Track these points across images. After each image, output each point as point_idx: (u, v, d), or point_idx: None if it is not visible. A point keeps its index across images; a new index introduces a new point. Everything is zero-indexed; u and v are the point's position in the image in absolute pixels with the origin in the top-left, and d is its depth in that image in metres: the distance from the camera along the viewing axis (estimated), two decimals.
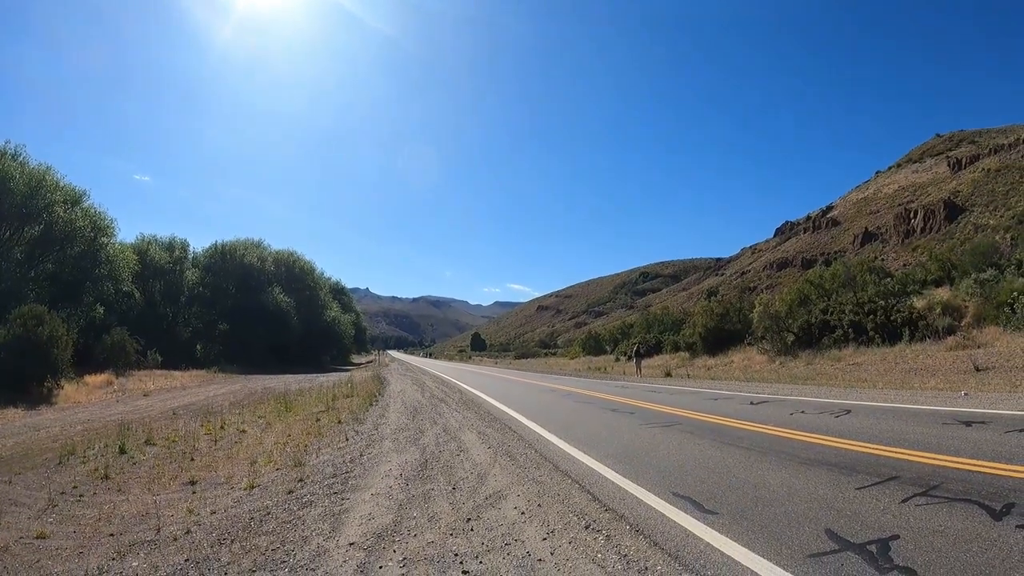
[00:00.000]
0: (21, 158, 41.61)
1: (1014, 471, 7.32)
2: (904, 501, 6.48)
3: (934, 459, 8.27)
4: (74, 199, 44.46)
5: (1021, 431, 9.91)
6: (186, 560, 6.43)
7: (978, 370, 20.23)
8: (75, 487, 10.60)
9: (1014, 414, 11.97)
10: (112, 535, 7.75)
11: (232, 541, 6.88)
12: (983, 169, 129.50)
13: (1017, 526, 5.50)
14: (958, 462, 8.00)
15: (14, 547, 7.48)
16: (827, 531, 5.77)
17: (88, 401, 26.99)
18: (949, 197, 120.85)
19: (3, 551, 7.30)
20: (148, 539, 7.37)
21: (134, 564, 6.52)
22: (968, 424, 11.01)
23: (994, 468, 7.53)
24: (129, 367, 42.10)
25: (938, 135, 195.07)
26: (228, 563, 6.15)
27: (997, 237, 39.36)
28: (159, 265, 62.93)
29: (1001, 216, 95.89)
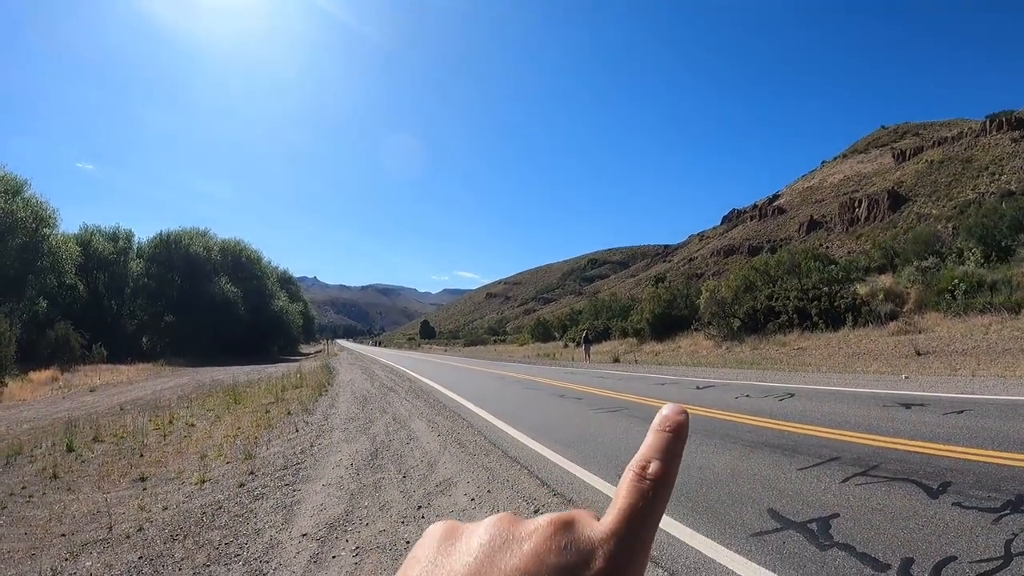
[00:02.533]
0: None
1: (951, 451, 7.55)
2: (844, 481, 6.67)
3: (874, 440, 8.50)
4: (14, 189, 43.44)
5: (959, 413, 10.20)
6: (139, 558, 6.40)
7: (919, 354, 20.71)
8: (24, 488, 10.44)
9: (952, 396, 12.30)
10: (64, 535, 7.67)
11: (185, 537, 6.86)
12: (926, 161, 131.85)
13: (953, 504, 5.69)
14: (897, 443, 8.23)
15: None
16: (770, 511, 5.93)
17: (33, 398, 26.48)
18: (893, 187, 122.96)
19: None
20: (100, 538, 7.30)
21: (87, 564, 6.47)
22: (908, 406, 11.30)
23: (932, 448, 7.77)
24: (74, 362, 41.37)
25: (883, 127, 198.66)
26: (182, 559, 6.14)
27: (939, 226, 40.20)
28: (103, 256, 61.75)
29: (943, 206, 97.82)
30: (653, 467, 0.53)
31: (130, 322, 63.81)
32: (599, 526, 0.48)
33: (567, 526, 0.47)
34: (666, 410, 0.57)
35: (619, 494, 0.51)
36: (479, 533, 0.48)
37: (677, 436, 0.55)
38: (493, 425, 13.13)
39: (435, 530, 0.51)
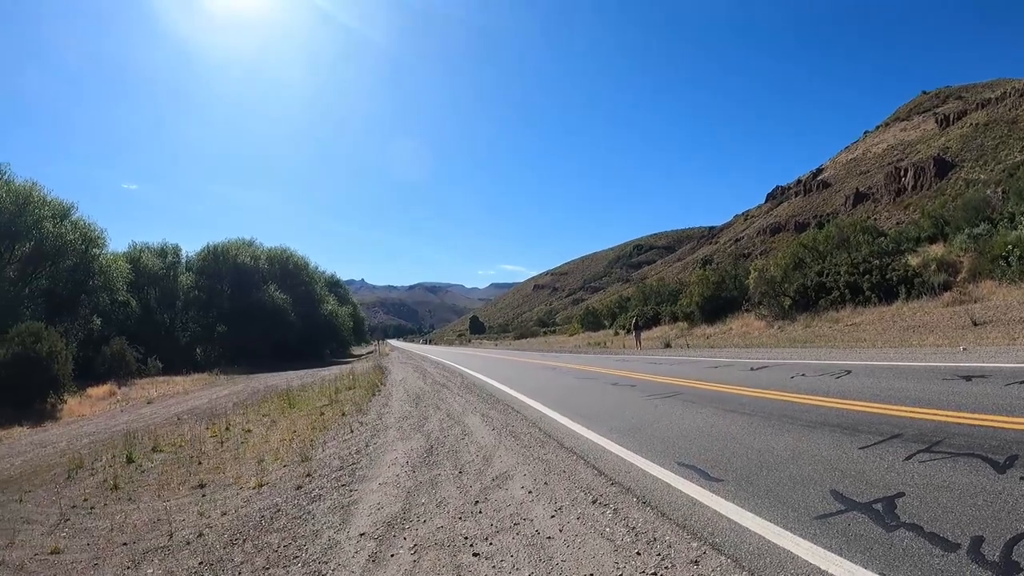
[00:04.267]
0: (6, 176, 41.44)
1: (1016, 423, 7.35)
2: (908, 458, 6.51)
3: (936, 415, 8.30)
4: (63, 213, 44.24)
5: (1022, 383, 9.93)
6: (200, 563, 6.46)
7: (976, 324, 20.27)
8: (85, 500, 10.61)
9: (1014, 367, 12.00)
10: (125, 544, 7.77)
11: (244, 541, 6.91)
12: (971, 124, 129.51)
13: (1021, 478, 5.52)
14: (960, 417, 8.02)
15: (29, 564, 7.50)
16: (832, 492, 5.80)
17: (92, 413, 26.97)
18: (938, 154, 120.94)
19: (19, 569, 7.33)
20: (161, 545, 7.39)
21: (149, 571, 6.55)
22: (968, 379, 11.04)
23: (996, 421, 7.56)
24: (131, 376, 42.06)
25: (924, 92, 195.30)
26: (241, 563, 6.18)
27: (988, 191, 39.22)
28: (153, 272, 62.65)
29: (991, 170, 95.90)
30: None
31: (183, 334, 64.74)
32: None
33: None
34: None
35: None
36: None
37: None
38: (547, 416, 13.06)
39: None
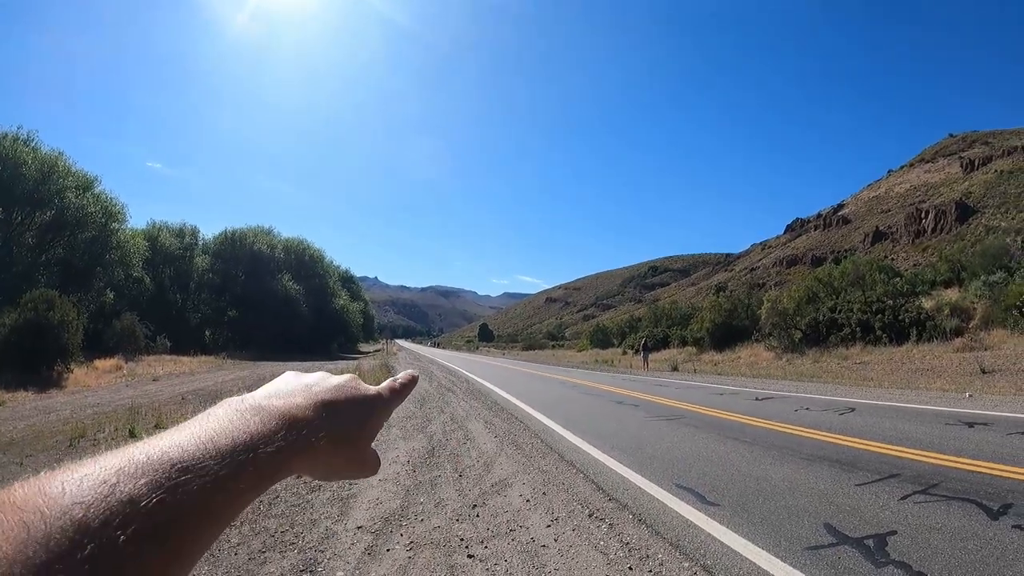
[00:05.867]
0: (33, 143, 41.81)
1: (1014, 472, 7.40)
2: (903, 498, 6.58)
3: (935, 458, 8.36)
4: (85, 185, 44.59)
5: (1023, 433, 9.98)
6: None
7: (984, 372, 20.26)
8: None
9: (1017, 416, 12.04)
10: None
11: (242, 523, 6.98)
12: (996, 170, 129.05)
13: (1013, 526, 5.60)
14: (959, 462, 8.08)
15: None
16: (826, 525, 5.88)
17: (97, 385, 27.13)
18: (961, 198, 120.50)
19: None
20: None
21: None
22: (971, 425, 11.09)
23: (994, 469, 7.61)
24: (138, 352, 42.22)
25: (951, 135, 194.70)
26: (238, 544, 6.25)
27: (1008, 239, 39.16)
28: (169, 251, 63.05)
29: (1013, 218, 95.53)
30: (398, 387, 0.83)
31: (194, 315, 65.06)
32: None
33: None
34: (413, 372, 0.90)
35: (382, 386, 0.83)
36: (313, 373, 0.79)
37: (413, 383, 0.87)
38: (550, 428, 13.14)
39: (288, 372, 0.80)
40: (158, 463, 0.50)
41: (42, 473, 0.46)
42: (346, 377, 0.80)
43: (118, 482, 0.47)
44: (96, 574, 0.41)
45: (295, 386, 0.73)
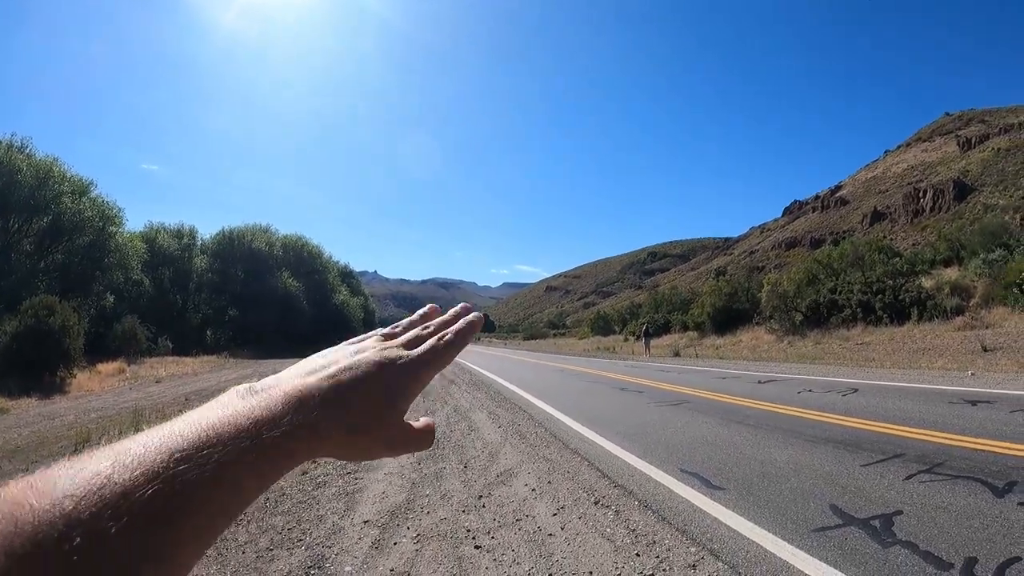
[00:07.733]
0: (28, 150, 41.79)
1: (1018, 450, 7.40)
2: (908, 478, 6.58)
3: (939, 437, 8.36)
4: (82, 189, 44.46)
5: None
6: None
7: (986, 350, 20.26)
8: None
9: (1020, 394, 12.03)
10: None
11: (248, 521, 6.99)
12: (993, 148, 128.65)
13: (1019, 503, 5.60)
14: (963, 440, 8.08)
15: None
16: (832, 506, 5.88)
17: (101, 389, 27.12)
18: (958, 176, 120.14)
19: None
20: None
21: None
22: (974, 404, 11.08)
23: (998, 447, 7.61)
24: (140, 354, 42.24)
25: (947, 114, 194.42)
26: (245, 542, 6.26)
27: (1006, 217, 39.20)
28: (168, 252, 62.86)
29: (1011, 196, 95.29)
30: (448, 338, 0.78)
31: (195, 316, 64.99)
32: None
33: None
34: (473, 315, 0.87)
35: (424, 343, 0.77)
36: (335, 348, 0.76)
37: (472, 327, 0.83)
38: (554, 417, 13.15)
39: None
40: (156, 453, 0.50)
41: (38, 470, 0.46)
42: (369, 342, 0.78)
43: (112, 473, 0.46)
44: (85, 565, 0.41)
45: (309, 366, 0.69)
